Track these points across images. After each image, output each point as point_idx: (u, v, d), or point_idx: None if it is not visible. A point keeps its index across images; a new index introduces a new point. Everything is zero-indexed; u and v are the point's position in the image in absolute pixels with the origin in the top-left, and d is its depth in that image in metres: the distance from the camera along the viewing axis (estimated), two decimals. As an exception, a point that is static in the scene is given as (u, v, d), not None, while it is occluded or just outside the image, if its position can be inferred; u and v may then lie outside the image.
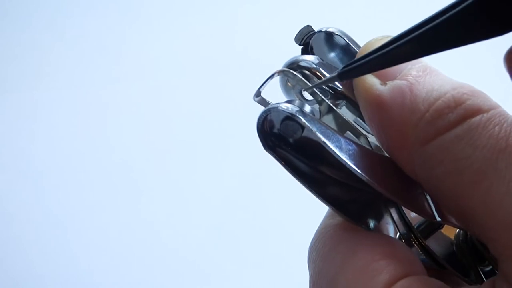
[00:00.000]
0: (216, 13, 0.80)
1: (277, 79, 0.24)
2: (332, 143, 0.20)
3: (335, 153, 0.20)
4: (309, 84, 0.23)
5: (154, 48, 0.79)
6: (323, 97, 0.23)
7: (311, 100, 0.23)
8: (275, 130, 0.21)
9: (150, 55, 0.78)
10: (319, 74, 0.23)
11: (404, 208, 0.23)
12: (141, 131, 0.73)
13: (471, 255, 0.24)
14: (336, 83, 0.23)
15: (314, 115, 0.21)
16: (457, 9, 0.17)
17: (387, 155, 0.21)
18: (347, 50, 0.24)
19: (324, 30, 0.24)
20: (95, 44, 0.79)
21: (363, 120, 0.23)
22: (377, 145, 0.23)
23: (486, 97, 0.19)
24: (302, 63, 0.23)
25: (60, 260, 0.66)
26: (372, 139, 0.23)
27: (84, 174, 0.71)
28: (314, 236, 0.23)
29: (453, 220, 0.21)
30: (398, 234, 0.24)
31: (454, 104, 0.19)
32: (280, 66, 0.23)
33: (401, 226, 0.23)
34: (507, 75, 0.18)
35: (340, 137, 0.20)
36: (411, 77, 0.20)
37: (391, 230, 0.23)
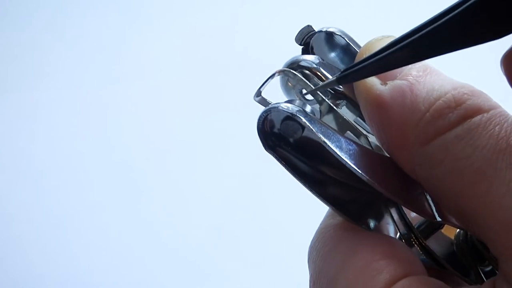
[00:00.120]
0: (216, 13, 0.80)
1: (277, 79, 0.24)
2: (332, 143, 0.20)
3: (336, 153, 0.20)
4: (309, 84, 0.23)
5: (154, 48, 0.79)
6: (324, 97, 0.23)
7: (311, 100, 0.23)
8: (276, 130, 0.21)
9: (150, 55, 0.78)
10: (319, 74, 0.23)
11: (404, 208, 0.23)
12: (141, 131, 0.73)
13: (471, 255, 0.24)
14: (337, 82, 0.23)
15: (314, 115, 0.21)
16: (456, 12, 0.17)
17: (387, 155, 0.21)
18: (347, 50, 0.24)
19: (324, 30, 0.24)
20: (95, 44, 0.79)
21: (364, 120, 0.23)
22: (377, 145, 0.23)
23: (486, 97, 0.19)
24: (302, 63, 0.23)
25: (60, 260, 0.66)
26: (372, 139, 0.23)
27: (84, 174, 0.71)
28: (314, 236, 0.23)
29: (453, 220, 0.21)
30: (398, 234, 0.24)
31: (455, 104, 0.19)
32: (280, 66, 0.23)
33: (402, 226, 0.23)
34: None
35: (340, 137, 0.20)
36: (411, 77, 0.20)
37: (391, 230, 0.23)
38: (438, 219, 0.22)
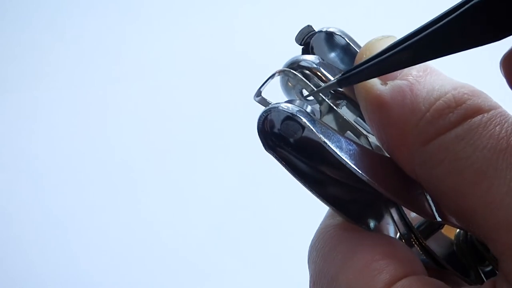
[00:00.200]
0: (216, 13, 0.80)
1: (277, 79, 0.24)
2: (332, 143, 0.20)
3: (336, 153, 0.20)
4: (309, 84, 0.23)
5: (154, 48, 0.79)
6: (324, 97, 0.23)
7: (311, 100, 0.23)
8: (276, 130, 0.21)
9: (150, 55, 0.78)
10: (319, 74, 0.23)
11: (404, 208, 0.23)
12: (141, 131, 0.73)
13: (471, 255, 0.24)
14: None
15: (314, 115, 0.21)
16: (455, 14, 0.17)
17: (388, 155, 0.21)
18: (347, 50, 0.24)
19: (324, 30, 0.24)
20: (95, 44, 0.79)
21: (364, 120, 0.23)
22: (378, 145, 0.23)
23: (486, 97, 0.19)
24: (302, 63, 0.23)
25: (60, 260, 0.66)
26: (372, 139, 0.23)
27: (84, 174, 0.71)
28: (314, 236, 0.23)
29: (453, 220, 0.21)
30: (398, 234, 0.24)
31: (455, 104, 0.19)
32: (280, 66, 0.23)
33: (402, 226, 0.23)
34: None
35: (340, 137, 0.20)
36: (411, 77, 0.20)
37: (391, 230, 0.23)
38: (438, 219, 0.22)
